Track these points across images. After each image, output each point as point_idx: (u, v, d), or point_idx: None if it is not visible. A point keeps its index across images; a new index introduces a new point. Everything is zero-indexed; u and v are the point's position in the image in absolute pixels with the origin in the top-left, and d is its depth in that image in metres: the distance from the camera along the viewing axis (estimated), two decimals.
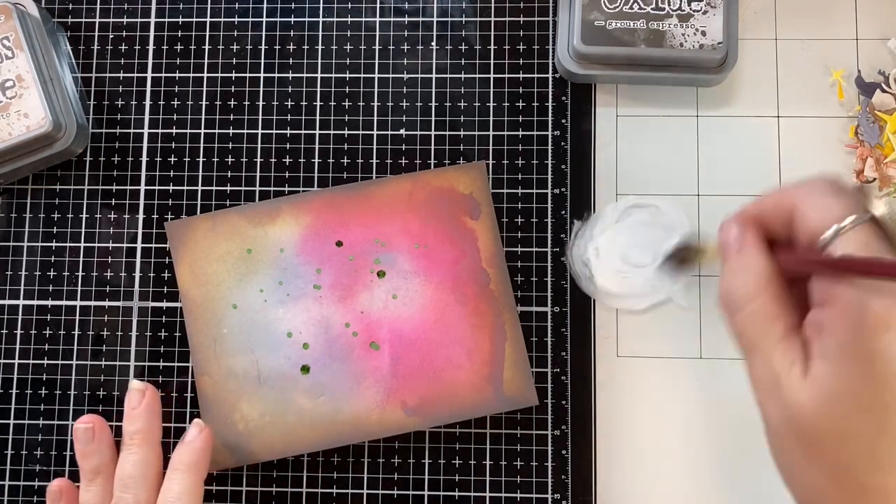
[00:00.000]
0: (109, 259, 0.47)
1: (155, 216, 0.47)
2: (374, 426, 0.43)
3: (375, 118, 0.47)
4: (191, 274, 0.45)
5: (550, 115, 0.46)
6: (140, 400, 0.41)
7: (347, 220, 0.45)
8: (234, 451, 0.43)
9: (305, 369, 0.44)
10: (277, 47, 0.48)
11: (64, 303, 0.46)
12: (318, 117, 0.47)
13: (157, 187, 0.47)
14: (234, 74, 0.48)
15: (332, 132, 0.47)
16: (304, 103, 0.47)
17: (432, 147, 0.46)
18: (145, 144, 0.47)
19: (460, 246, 0.44)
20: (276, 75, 0.48)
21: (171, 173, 0.47)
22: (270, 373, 0.43)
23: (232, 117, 0.47)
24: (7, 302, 0.47)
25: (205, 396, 0.43)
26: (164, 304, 0.46)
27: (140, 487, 0.39)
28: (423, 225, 0.45)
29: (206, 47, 0.48)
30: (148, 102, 0.48)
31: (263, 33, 0.48)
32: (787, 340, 0.29)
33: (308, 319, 0.44)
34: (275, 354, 0.44)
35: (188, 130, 0.47)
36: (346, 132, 0.47)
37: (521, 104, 0.47)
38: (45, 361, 0.46)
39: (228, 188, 0.47)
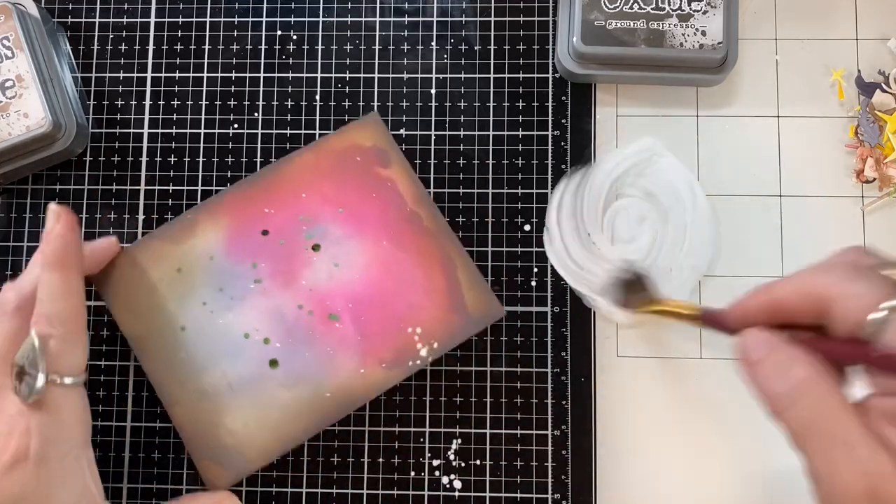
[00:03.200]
0: None
1: (155, 216, 0.47)
2: (359, 392, 0.42)
3: None
4: (128, 313, 0.44)
5: (550, 115, 0.46)
6: (55, 222, 0.38)
7: (264, 208, 0.44)
8: (232, 467, 0.42)
9: (274, 363, 0.43)
10: (277, 47, 0.48)
11: None
12: (318, 117, 0.47)
13: (157, 187, 0.47)
14: (234, 74, 0.48)
15: (332, 132, 0.47)
16: (303, 103, 0.47)
17: (432, 147, 0.46)
18: (145, 144, 0.47)
19: (382, 196, 0.44)
20: (276, 75, 0.48)
21: (171, 173, 0.47)
22: (240, 379, 0.43)
23: (232, 117, 0.47)
24: None
25: (182, 427, 0.42)
26: None
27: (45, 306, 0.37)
28: (340, 188, 0.44)
29: (206, 47, 0.48)
30: (148, 102, 0.48)
31: (263, 33, 0.48)
32: (867, 433, 0.26)
33: (259, 315, 0.43)
34: (240, 360, 0.43)
35: (188, 130, 0.47)
36: None
37: (521, 104, 0.47)
38: None
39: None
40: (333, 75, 0.47)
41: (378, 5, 0.48)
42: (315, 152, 0.45)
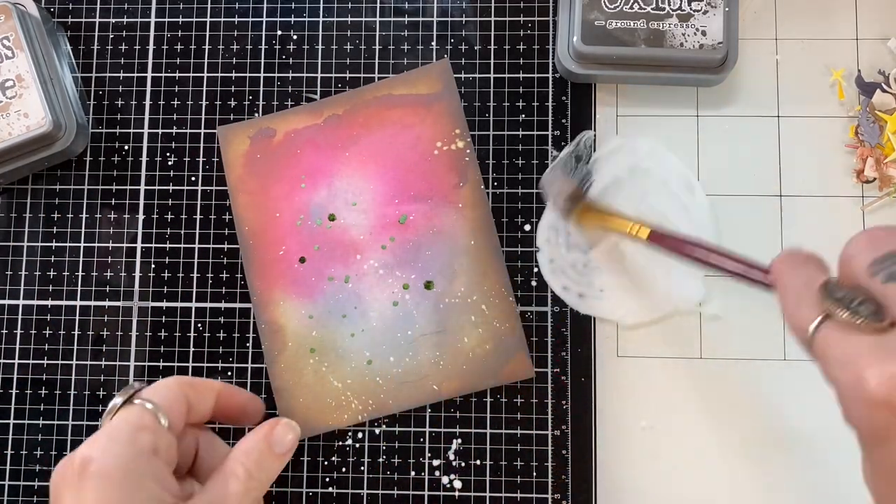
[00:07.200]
0: (109, 259, 0.47)
1: (155, 216, 0.47)
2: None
3: None
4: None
5: (550, 115, 0.46)
6: None
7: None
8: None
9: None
10: (277, 47, 0.48)
11: (64, 303, 0.46)
12: None
13: (157, 187, 0.47)
14: (234, 74, 0.48)
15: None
16: (304, 103, 0.47)
17: None
18: (145, 144, 0.47)
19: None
20: (276, 75, 0.48)
21: (171, 173, 0.47)
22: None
23: (232, 117, 0.47)
24: (7, 302, 0.47)
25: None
26: (164, 304, 0.46)
27: None
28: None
29: (206, 47, 0.48)
30: (148, 102, 0.48)
31: (263, 33, 0.48)
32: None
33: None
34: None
35: (188, 130, 0.47)
36: None
37: (521, 104, 0.47)
38: (45, 361, 0.46)
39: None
40: (333, 75, 0.47)
41: (378, 5, 0.48)
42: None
